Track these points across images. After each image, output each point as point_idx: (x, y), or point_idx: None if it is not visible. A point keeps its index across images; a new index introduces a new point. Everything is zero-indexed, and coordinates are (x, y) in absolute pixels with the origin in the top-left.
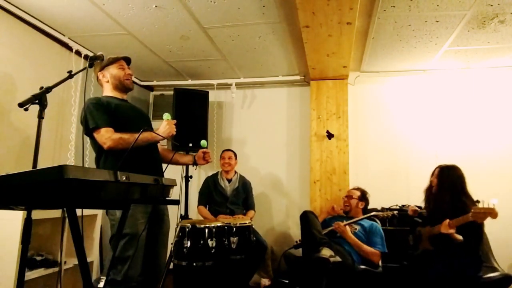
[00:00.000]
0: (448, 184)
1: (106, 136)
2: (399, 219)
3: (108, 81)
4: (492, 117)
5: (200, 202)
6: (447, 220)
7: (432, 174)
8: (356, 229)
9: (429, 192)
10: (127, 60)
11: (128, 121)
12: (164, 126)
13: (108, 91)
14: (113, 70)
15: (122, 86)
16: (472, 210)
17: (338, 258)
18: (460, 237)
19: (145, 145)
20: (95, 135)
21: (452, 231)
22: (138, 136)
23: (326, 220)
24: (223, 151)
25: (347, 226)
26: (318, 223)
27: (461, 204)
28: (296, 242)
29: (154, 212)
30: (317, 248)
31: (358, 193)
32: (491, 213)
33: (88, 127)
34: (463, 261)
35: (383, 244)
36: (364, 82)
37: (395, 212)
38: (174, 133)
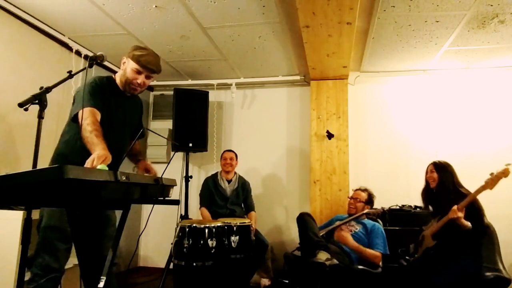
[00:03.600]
0: (449, 176)
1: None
2: (398, 219)
3: (123, 70)
4: (492, 117)
5: (203, 204)
6: (455, 206)
7: (427, 172)
8: (357, 228)
9: (428, 190)
10: (153, 71)
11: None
12: (95, 157)
13: (119, 77)
14: (129, 68)
15: (125, 85)
16: (484, 181)
17: (335, 261)
18: (468, 223)
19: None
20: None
21: (461, 214)
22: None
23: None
24: (225, 151)
25: (348, 234)
26: (314, 225)
27: (464, 190)
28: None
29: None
30: (314, 251)
31: (365, 196)
32: (504, 172)
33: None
34: (464, 261)
35: (385, 245)
36: (364, 82)
37: (385, 208)
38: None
